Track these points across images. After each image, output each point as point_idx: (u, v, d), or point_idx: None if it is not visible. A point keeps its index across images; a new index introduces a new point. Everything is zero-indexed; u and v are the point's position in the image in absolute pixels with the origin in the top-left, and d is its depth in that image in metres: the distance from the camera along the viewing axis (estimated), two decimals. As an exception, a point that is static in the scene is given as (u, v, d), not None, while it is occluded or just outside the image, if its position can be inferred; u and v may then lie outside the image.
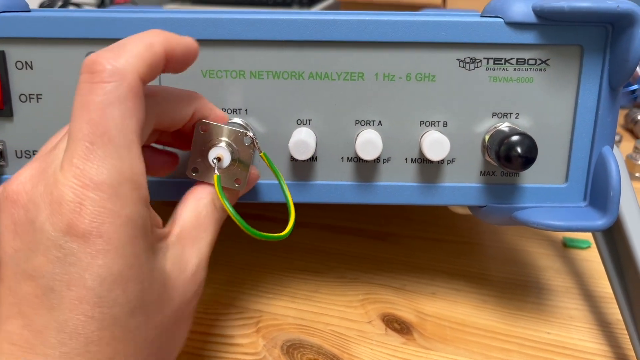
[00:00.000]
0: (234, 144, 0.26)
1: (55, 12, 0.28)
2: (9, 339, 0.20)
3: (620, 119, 0.66)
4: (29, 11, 0.29)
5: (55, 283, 0.20)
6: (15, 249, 0.20)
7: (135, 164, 0.21)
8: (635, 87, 0.67)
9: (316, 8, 0.98)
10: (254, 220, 0.44)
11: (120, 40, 0.22)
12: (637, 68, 0.68)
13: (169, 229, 0.24)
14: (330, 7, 1.00)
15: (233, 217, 0.24)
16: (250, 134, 0.26)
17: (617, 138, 0.58)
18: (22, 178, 0.21)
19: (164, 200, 0.29)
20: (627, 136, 0.63)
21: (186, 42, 0.23)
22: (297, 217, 0.27)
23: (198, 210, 0.25)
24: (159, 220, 0.24)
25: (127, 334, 0.20)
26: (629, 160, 0.53)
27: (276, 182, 0.30)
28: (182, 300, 0.23)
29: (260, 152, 0.27)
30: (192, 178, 0.26)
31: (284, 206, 0.28)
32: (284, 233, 0.26)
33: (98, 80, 0.20)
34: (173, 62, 0.23)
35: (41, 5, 0.89)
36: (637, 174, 0.53)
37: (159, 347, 0.22)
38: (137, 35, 0.22)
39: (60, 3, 0.89)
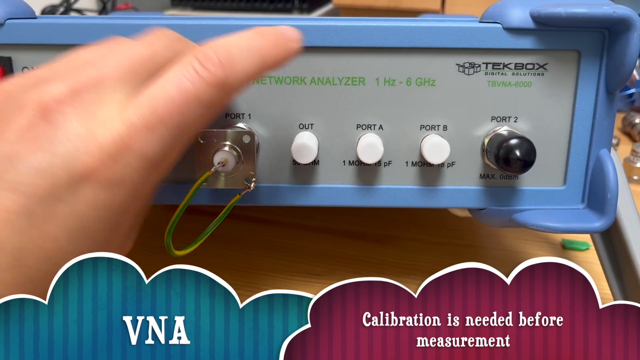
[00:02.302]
0: (236, 146, 0.26)
1: (61, 19, 0.29)
2: None
3: (618, 122, 0.67)
4: (36, 18, 0.29)
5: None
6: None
7: (179, 153, 0.22)
8: (632, 90, 0.68)
9: (316, 14, 0.98)
10: (251, 222, 0.44)
11: (231, 42, 0.22)
12: (635, 72, 0.69)
13: None
14: (330, 13, 1.01)
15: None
16: (248, 129, 0.26)
17: (614, 141, 0.59)
18: (55, 92, 0.21)
19: (163, 203, 0.30)
20: (624, 139, 0.64)
21: (285, 57, 0.24)
22: (297, 220, 0.28)
23: None
24: None
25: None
26: (627, 163, 0.54)
27: (276, 185, 0.30)
28: None
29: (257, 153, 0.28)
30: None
31: (283, 209, 0.28)
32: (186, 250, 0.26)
33: (206, 79, 0.21)
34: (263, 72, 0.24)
35: (43, 12, 0.90)
36: (635, 177, 0.53)
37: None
38: (248, 41, 0.23)
39: (62, 10, 0.90)
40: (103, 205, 0.20)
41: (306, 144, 0.28)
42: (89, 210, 0.20)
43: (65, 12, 0.90)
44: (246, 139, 0.27)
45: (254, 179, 0.27)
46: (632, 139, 0.64)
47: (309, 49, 0.28)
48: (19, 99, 0.21)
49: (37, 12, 0.43)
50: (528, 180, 0.30)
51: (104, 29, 0.28)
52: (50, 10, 0.91)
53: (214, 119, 0.24)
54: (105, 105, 0.21)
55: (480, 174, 0.30)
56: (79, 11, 0.95)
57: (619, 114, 0.69)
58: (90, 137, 0.20)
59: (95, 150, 0.20)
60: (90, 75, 0.21)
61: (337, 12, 0.97)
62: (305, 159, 0.28)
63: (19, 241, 0.19)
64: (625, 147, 0.60)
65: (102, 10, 0.98)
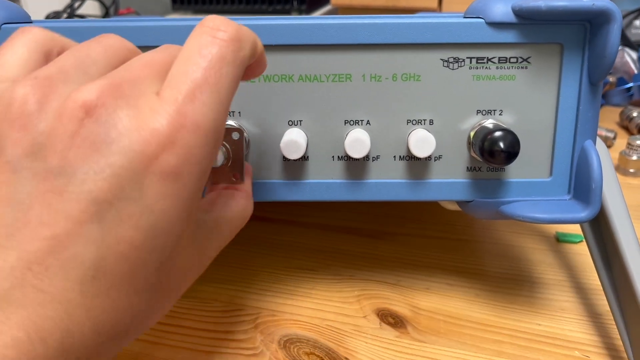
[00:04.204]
0: (225, 143, 0.27)
1: (57, 23, 0.30)
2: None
3: (616, 117, 0.67)
4: (31, 22, 0.30)
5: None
6: (84, 165, 0.19)
7: (225, 122, 0.22)
8: (630, 85, 0.68)
9: (314, 15, 0.99)
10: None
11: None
12: (633, 66, 0.69)
13: None
14: (328, 14, 1.01)
15: None
16: (237, 126, 0.27)
17: (612, 135, 0.59)
18: (93, 90, 0.20)
19: None
20: (622, 133, 0.64)
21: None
22: (291, 217, 0.28)
23: (234, 213, 0.27)
24: None
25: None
26: (623, 156, 0.54)
27: (266, 181, 0.31)
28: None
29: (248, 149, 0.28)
30: None
31: (277, 205, 0.29)
32: None
33: (221, 38, 0.21)
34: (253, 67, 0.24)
35: (47, 17, 0.91)
36: (631, 170, 0.53)
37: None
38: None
39: (65, 15, 0.91)
40: (172, 193, 0.20)
41: (295, 140, 0.29)
42: (159, 202, 0.19)
43: (69, 17, 0.91)
44: (235, 136, 0.27)
45: (239, 178, 0.28)
46: (630, 133, 0.64)
47: (297, 47, 0.29)
48: (52, 107, 0.20)
49: (42, 18, 0.44)
50: (514, 172, 0.31)
51: (99, 31, 0.29)
52: (54, 16, 0.92)
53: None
54: (144, 95, 0.20)
55: (467, 167, 0.31)
56: (82, 17, 0.96)
57: (616, 108, 0.69)
58: (141, 126, 0.19)
59: (151, 138, 0.19)
60: (122, 73, 0.21)
61: (336, 12, 0.98)
62: (294, 154, 0.29)
63: (95, 252, 0.19)
64: (622, 141, 0.61)
65: (105, 15, 1.00)
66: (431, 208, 0.48)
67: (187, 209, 0.20)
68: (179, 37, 0.29)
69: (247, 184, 0.28)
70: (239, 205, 0.27)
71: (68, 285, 0.18)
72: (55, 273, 0.18)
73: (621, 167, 0.54)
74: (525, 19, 0.28)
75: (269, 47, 0.29)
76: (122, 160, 0.19)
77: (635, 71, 0.70)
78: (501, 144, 0.27)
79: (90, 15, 0.99)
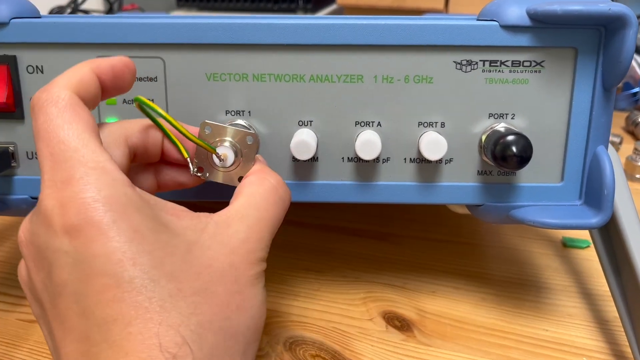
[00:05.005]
0: (237, 144, 0.27)
1: (65, 18, 0.29)
2: (68, 359, 0.21)
3: (622, 121, 0.66)
4: (40, 17, 0.30)
5: (77, 287, 0.20)
6: (42, 281, 0.22)
7: (95, 154, 0.22)
8: (636, 89, 0.67)
9: (320, 13, 0.99)
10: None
11: None
12: (638, 70, 0.69)
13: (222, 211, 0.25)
14: (334, 13, 1.01)
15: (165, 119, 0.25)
16: (252, 131, 0.27)
17: (617, 140, 0.59)
18: (23, 223, 0.23)
19: (183, 200, 0.30)
20: (627, 138, 0.64)
21: (113, 59, 0.25)
22: (298, 218, 0.28)
23: (251, 191, 0.26)
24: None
25: (162, 303, 0.20)
26: (629, 161, 0.54)
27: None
28: (227, 271, 0.23)
29: (258, 146, 0.27)
30: (196, 176, 0.27)
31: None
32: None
33: (38, 109, 0.22)
34: (106, 77, 0.25)
35: (51, 12, 0.91)
36: (637, 175, 0.53)
37: (213, 318, 0.22)
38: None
39: (69, 10, 0.91)
40: None
41: (305, 141, 0.29)
42: None
43: (73, 12, 0.91)
44: (249, 140, 0.27)
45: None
46: (636, 138, 0.63)
47: (308, 47, 0.29)
48: None
49: (45, 13, 0.44)
50: (525, 177, 0.30)
51: (107, 27, 0.29)
52: (57, 11, 0.92)
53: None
54: None
55: (478, 171, 0.30)
56: (86, 12, 0.95)
57: (622, 112, 0.68)
58: None
59: None
60: None
61: (342, 11, 0.97)
62: (304, 155, 0.29)
63: None
64: (628, 146, 0.60)
65: (109, 11, 0.99)
66: (436, 210, 0.48)
67: (124, 230, 0.21)
68: (182, 35, 0.28)
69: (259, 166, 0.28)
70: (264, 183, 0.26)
71: (97, 349, 0.20)
72: None
73: (628, 173, 0.54)
74: (540, 23, 0.28)
75: (280, 47, 0.29)
76: (52, 249, 0.21)
77: (642, 76, 0.70)
78: (514, 148, 0.27)
79: (94, 11, 0.99)
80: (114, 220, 0.20)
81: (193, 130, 0.27)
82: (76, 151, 0.21)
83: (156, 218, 0.22)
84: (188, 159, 0.27)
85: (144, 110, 0.26)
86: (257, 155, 0.28)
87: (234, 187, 0.27)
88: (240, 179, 0.27)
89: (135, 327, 0.20)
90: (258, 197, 0.25)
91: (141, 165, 0.28)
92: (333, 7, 1.03)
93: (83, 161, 0.21)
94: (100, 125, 0.25)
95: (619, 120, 0.67)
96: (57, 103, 0.22)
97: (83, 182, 0.21)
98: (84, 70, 0.24)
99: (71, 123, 0.22)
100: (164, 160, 0.28)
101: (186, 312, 0.21)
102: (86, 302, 0.20)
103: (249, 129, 0.29)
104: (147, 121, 0.27)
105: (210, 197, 0.31)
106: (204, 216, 0.24)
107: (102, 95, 0.25)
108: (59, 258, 0.21)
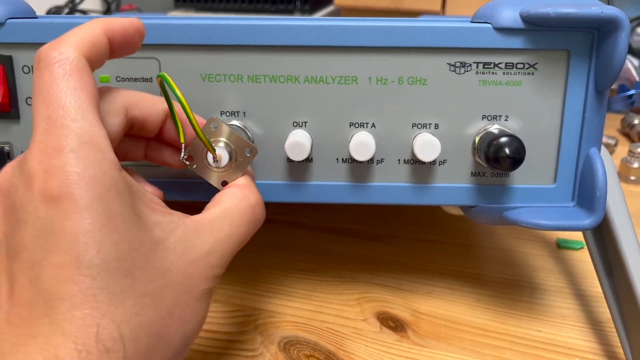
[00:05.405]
0: (236, 151, 0.27)
1: (61, 19, 0.29)
2: (7, 319, 0.20)
3: (617, 123, 0.67)
4: (36, 17, 0.30)
5: (38, 254, 0.20)
6: (5, 233, 0.21)
7: (93, 128, 0.21)
8: (632, 92, 0.68)
9: (317, 15, 0.99)
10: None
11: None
12: (634, 73, 0.69)
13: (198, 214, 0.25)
14: (332, 14, 1.01)
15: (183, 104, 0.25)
16: (254, 145, 0.27)
17: (613, 142, 0.59)
18: (4, 169, 0.23)
19: (174, 200, 0.30)
20: (623, 140, 0.64)
21: (124, 21, 0.25)
22: (293, 218, 0.28)
23: (230, 204, 0.26)
24: (158, 192, 0.27)
25: (111, 296, 0.20)
26: (624, 163, 0.54)
27: (270, 182, 0.31)
28: (181, 280, 0.23)
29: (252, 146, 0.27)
30: (184, 163, 0.27)
31: (279, 206, 0.29)
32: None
33: (44, 66, 0.22)
34: (116, 40, 0.24)
35: (48, 12, 0.91)
36: (632, 177, 0.53)
37: (153, 322, 0.22)
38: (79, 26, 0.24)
39: (67, 10, 0.91)
40: None
41: (300, 142, 0.29)
42: None
43: (70, 12, 0.91)
44: (248, 152, 0.27)
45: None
46: (631, 140, 0.64)
47: (303, 48, 0.29)
48: None
49: (43, 13, 0.44)
50: (519, 178, 0.31)
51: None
52: (55, 11, 0.92)
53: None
54: None
55: (472, 172, 0.31)
56: (83, 12, 0.95)
57: (618, 115, 0.69)
58: None
59: None
60: None
61: (339, 13, 0.98)
62: (298, 156, 0.29)
63: None
64: (623, 148, 0.61)
65: (107, 11, 0.99)
66: (431, 212, 0.48)
67: (99, 214, 0.21)
68: (179, 36, 0.29)
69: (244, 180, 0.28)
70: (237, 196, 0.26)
71: (38, 322, 0.20)
72: None
73: (622, 175, 0.54)
74: (533, 25, 0.28)
75: (275, 48, 0.29)
76: (26, 209, 0.21)
77: (637, 78, 0.71)
78: (507, 150, 0.27)
79: (91, 11, 0.99)
80: (92, 202, 0.20)
81: (200, 121, 0.27)
82: (74, 121, 0.21)
83: (133, 207, 0.22)
84: (183, 145, 0.27)
85: (163, 87, 0.26)
86: (248, 168, 0.28)
87: (216, 190, 0.27)
88: (224, 183, 0.27)
89: (80, 311, 0.20)
90: (235, 212, 0.25)
91: (135, 135, 0.28)
92: (330, 8, 1.03)
93: (78, 133, 0.21)
94: (101, 89, 0.25)
95: (614, 122, 0.68)
96: (64, 64, 0.22)
97: (73, 155, 0.21)
98: (97, 32, 0.23)
99: (75, 89, 0.22)
100: (157, 137, 0.28)
101: (131, 310, 0.21)
102: (41, 272, 0.20)
103: (252, 142, 0.29)
104: (152, 97, 0.26)
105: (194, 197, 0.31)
106: (177, 216, 0.24)
107: (108, 56, 0.24)
108: (29, 220, 0.21)
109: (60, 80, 0.21)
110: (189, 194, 0.31)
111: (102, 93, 0.25)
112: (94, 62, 0.23)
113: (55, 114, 0.21)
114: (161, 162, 0.29)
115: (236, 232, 0.25)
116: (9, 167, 0.23)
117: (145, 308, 0.21)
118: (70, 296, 0.20)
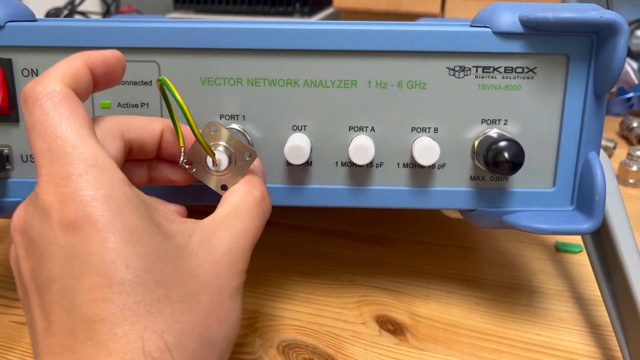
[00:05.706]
0: (235, 155, 0.27)
1: (60, 22, 0.29)
2: (49, 351, 0.20)
3: (616, 126, 0.67)
4: (36, 20, 0.30)
5: (68, 282, 0.20)
6: (31, 271, 0.22)
7: (94, 151, 0.22)
8: (630, 95, 0.68)
9: (316, 17, 0.99)
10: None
11: None
12: (634, 76, 0.69)
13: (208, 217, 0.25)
14: (331, 16, 1.01)
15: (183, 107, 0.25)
16: (254, 149, 0.27)
17: (611, 145, 0.59)
18: (17, 211, 0.23)
19: (179, 203, 0.30)
20: (622, 143, 0.64)
21: (104, 52, 0.25)
22: (292, 221, 0.28)
23: (237, 201, 0.26)
24: (181, 210, 0.27)
25: (149, 308, 0.20)
26: (623, 166, 0.54)
27: (270, 185, 0.31)
28: (211, 280, 0.23)
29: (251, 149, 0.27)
30: (188, 176, 0.27)
31: (278, 209, 0.29)
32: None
33: (32, 102, 0.22)
34: (98, 70, 0.24)
35: (47, 15, 0.91)
36: (630, 180, 0.53)
37: (195, 327, 0.22)
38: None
39: (66, 12, 0.91)
40: None
41: (299, 145, 0.29)
42: None
43: (70, 14, 0.91)
44: (247, 156, 0.27)
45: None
46: (630, 143, 0.64)
47: (303, 52, 0.29)
48: None
49: (42, 15, 0.44)
50: (518, 182, 0.31)
51: (101, 31, 0.29)
52: (54, 13, 0.92)
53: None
54: None
55: (471, 176, 0.31)
56: (83, 14, 0.95)
57: (616, 117, 0.69)
58: None
59: None
60: None
61: (338, 15, 0.98)
62: (298, 160, 0.29)
63: None
64: (622, 151, 0.61)
65: (106, 13, 0.99)
66: (430, 214, 0.48)
67: (120, 230, 0.21)
68: (178, 39, 0.29)
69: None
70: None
71: (81, 346, 0.20)
72: None
73: (621, 178, 0.54)
74: (532, 30, 0.28)
75: (275, 52, 0.29)
76: (47, 242, 0.21)
77: (636, 81, 0.71)
78: (506, 154, 0.27)
79: (91, 12, 0.99)
80: (111, 220, 0.21)
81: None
82: (75, 147, 0.21)
83: (151, 219, 0.22)
84: (182, 149, 0.27)
85: (162, 91, 0.26)
86: (256, 161, 0.28)
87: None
88: (223, 187, 0.27)
89: (121, 328, 0.20)
90: (243, 207, 0.26)
91: (135, 159, 0.28)
92: (329, 10, 1.03)
93: (82, 158, 0.21)
94: (94, 119, 0.25)
95: (613, 125, 0.68)
96: (52, 97, 0.22)
97: (82, 180, 0.21)
98: (77, 63, 0.24)
99: (68, 118, 0.22)
100: (158, 157, 0.28)
101: (171, 318, 0.21)
102: (75, 298, 0.20)
103: (252, 146, 0.29)
104: (145, 117, 0.27)
105: (198, 200, 0.31)
106: (191, 222, 0.24)
107: (93, 88, 0.25)
108: (52, 251, 0.21)
109: (52, 112, 0.22)
110: (197, 198, 0.31)
111: (95, 122, 0.25)
112: (79, 93, 0.23)
113: (55, 145, 0.21)
114: (166, 181, 0.29)
115: (249, 226, 0.26)
116: (21, 208, 0.23)
117: (184, 314, 0.21)
118: (108, 315, 0.20)
